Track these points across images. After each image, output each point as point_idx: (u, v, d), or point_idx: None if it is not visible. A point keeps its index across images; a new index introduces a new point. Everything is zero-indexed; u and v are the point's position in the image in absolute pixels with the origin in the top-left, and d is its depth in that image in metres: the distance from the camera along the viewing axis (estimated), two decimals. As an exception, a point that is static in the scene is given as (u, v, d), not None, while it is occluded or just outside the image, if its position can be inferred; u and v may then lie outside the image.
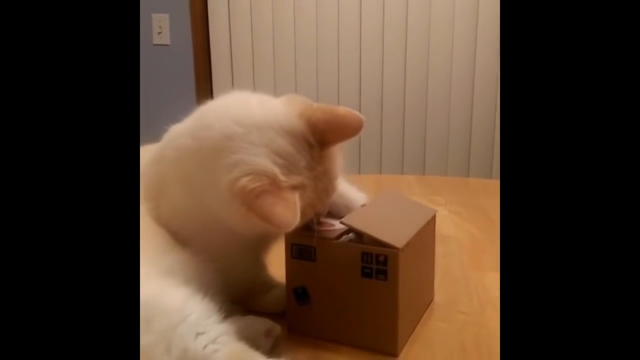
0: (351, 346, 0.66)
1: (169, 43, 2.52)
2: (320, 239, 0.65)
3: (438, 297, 0.80)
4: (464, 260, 0.94)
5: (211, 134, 0.61)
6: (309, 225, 0.65)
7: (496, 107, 2.36)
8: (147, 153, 0.71)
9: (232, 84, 2.49)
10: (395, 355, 0.65)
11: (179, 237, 0.65)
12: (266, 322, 0.66)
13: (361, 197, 0.76)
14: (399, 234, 0.65)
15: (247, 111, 0.63)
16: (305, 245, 0.66)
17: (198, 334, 0.53)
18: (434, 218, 0.76)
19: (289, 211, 0.57)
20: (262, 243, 0.73)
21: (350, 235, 0.68)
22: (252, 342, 0.58)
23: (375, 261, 0.63)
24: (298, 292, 0.68)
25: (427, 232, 0.73)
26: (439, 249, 0.96)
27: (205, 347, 0.53)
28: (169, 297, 0.54)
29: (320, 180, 0.63)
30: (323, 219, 0.69)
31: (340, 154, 0.66)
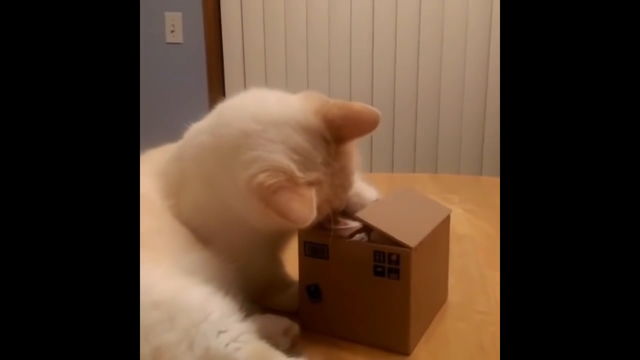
0: (363, 344, 0.67)
1: (181, 41, 2.53)
2: (333, 237, 0.66)
3: (455, 296, 0.80)
4: (480, 259, 0.94)
5: (229, 132, 0.62)
6: (323, 224, 0.65)
7: (509, 105, 2.35)
8: (168, 152, 0.72)
9: (244, 82, 2.49)
10: (407, 353, 0.65)
11: (200, 234, 0.66)
12: (284, 321, 0.67)
13: (375, 196, 0.76)
14: (413, 233, 0.65)
15: (264, 108, 0.64)
16: (318, 243, 0.67)
17: (220, 332, 0.54)
18: (448, 218, 0.76)
19: (306, 207, 0.58)
20: (279, 240, 0.73)
21: (363, 234, 0.68)
22: (271, 340, 0.59)
23: (387, 260, 0.63)
24: (311, 290, 0.69)
25: (441, 232, 0.73)
26: (454, 249, 0.96)
27: (227, 345, 0.53)
28: (191, 295, 0.55)
29: (336, 176, 0.63)
30: (339, 218, 0.69)
31: (356, 150, 0.66)
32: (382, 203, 0.73)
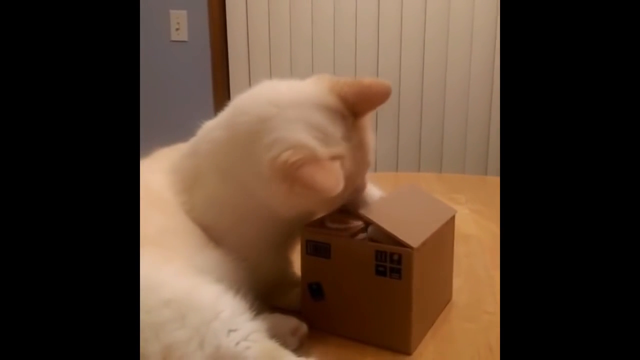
0: (364, 343, 0.67)
1: (186, 39, 2.53)
2: (335, 236, 0.66)
3: (462, 297, 0.80)
4: (487, 259, 0.93)
5: (247, 119, 0.63)
6: (325, 222, 0.66)
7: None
8: (180, 150, 0.72)
9: (249, 80, 2.50)
10: (409, 353, 0.65)
11: (211, 232, 0.66)
12: (293, 321, 0.67)
13: (379, 196, 0.76)
14: (416, 233, 0.65)
15: (279, 93, 0.65)
16: (320, 242, 0.67)
17: (230, 330, 0.54)
18: (453, 218, 0.75)
19: (332, 176, 0.58)
20: (289, 239, 0.73)
21: (365, 234, 0.68)
22: (279, 340, 0.59)
23: (389, 260, 0.63)
24: (313, 288, 0.69)
25: (445, 232, 0.73)
26: (461, 249, 0.97)
27: (237, 344, 0.53)
28: (202, 293, 0.55)
29: (357, 150, 0.64)
30: (342, 216, 0.69)
31: (371, 127, 0.67)
32: (386, 201, 0.72)
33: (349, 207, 0.68)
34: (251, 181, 0.63)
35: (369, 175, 0.76)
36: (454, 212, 0.76)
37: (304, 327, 0.67)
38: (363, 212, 0.65)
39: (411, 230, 0.65)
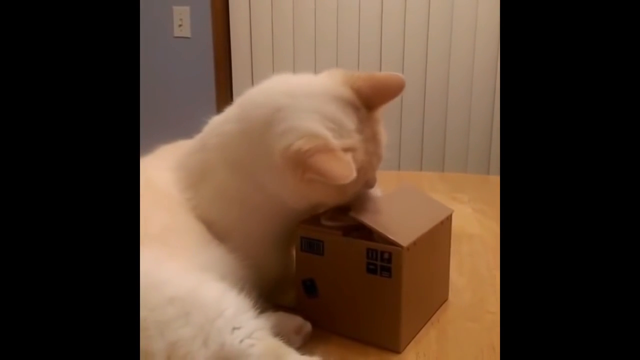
0: (356, 340, 0.67)
1: (189, 35, 2.53)
2: (328, 234, 0.66)
3: (466, 296, 0.79)
4: (490, 259, 0.93)
5: (260, 111, 0.63)
6: (320, 220, 0.66)
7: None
8: (183, 147, 0.72)
9: (252, 76, 2.49)
10: (398, 352, 0.65)
11: (217, 228, 0.66)
12: (297, 319, 0.67)
13: (379, 194, 0.76)
14: (407, 232, 0.65)
15: (293, 84, 0.66)
16: (313, 238, 0.67)
17: (234, 328, 0.54)
18: (449, 217, 0.75)
19: (345, 164, 0.58)
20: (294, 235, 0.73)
21: (358, 232, 0.67)
22: (283, 338, 0.59)
23: (380, 258, 0.63)
24: (307, 285, 0.69)
25: (440, 232, 0.73)
26: (464, 248, 0.97)
27: (241, 341, 0.53)
28: (207, 291, 0.55)
29: (370, 142, 0.64)
30: (337, 214, 0.69)
31: (382, 121, 0.67)
32: (382, 200, 0.73)
33: (346, 206, 0.68)
34: (261, 172, 0.63)
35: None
36: (450, 212, 0.76)
37: (307, 326, 0.67)
38: (356, 211, 0.65)
39: (403, 230, 0.65)
